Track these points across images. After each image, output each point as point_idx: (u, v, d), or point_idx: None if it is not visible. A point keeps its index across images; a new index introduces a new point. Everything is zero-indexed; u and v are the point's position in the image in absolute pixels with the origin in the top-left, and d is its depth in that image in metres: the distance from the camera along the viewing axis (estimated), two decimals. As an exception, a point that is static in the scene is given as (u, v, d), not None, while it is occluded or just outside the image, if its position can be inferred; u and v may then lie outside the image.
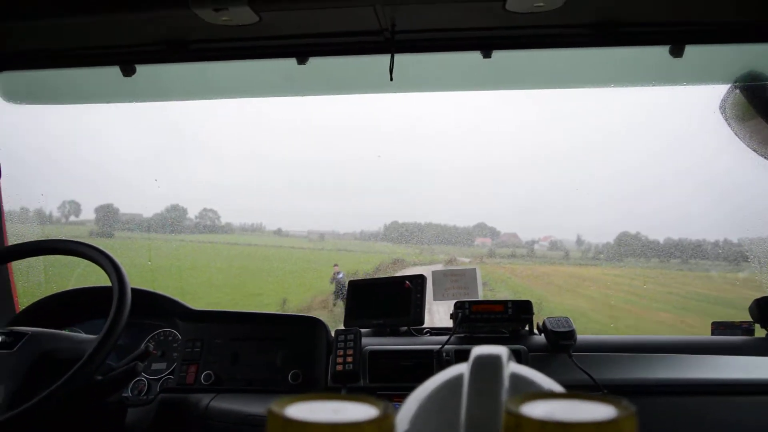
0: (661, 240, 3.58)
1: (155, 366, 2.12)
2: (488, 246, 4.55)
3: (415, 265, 3.33)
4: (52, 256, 1.97)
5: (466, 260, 4.52)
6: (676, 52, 1.70)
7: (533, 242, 4.85)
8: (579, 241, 4.59)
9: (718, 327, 2.26)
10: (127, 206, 4.14)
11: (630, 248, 3.82)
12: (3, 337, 1.75)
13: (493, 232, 4.57)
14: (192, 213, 4.38)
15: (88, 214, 4.16)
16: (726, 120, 2.13)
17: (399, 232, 3.93)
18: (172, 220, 4.00)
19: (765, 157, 2.13)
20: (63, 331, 1.81)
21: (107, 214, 4.19)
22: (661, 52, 1.73)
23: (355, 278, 2.37)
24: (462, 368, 0.70)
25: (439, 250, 3.69)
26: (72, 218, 3.96)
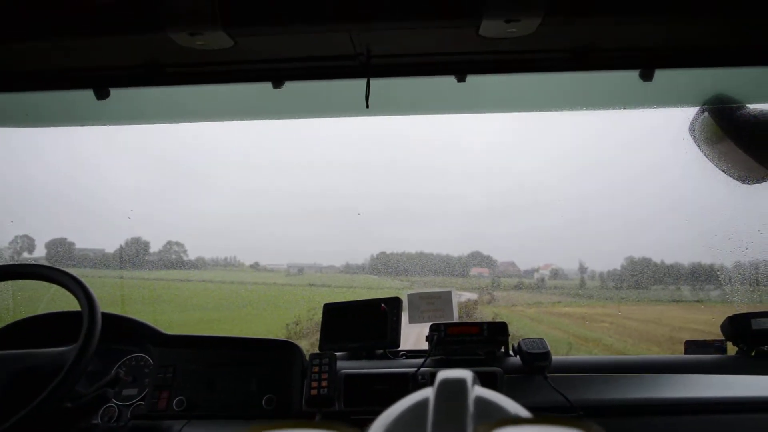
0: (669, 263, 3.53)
1: (126, 392, 2.09)
2: (486, 276, 4.34)
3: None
4: (21, 281, 1.94)
5: (473, 296, 4.30)
6: (646, 75, 1.73)
7: (533, 271, 4.63)
8: (582, 269, 4.39)
9: (691, 346, 2.28)
10: (86, 240, 3.94)
11: (647, 275, 3.69)
12: None
13: (490, 261, 4.37)
14: (155, 246, 4.13)
15: (42, 251, 3.90)
16: (695, 142, 2.17)
17: (387, 264, 3.76)
18: (130, 256, 3.80)
19: (734, 178, 2.17)
20: (32, 350, 1.77)
21: (61, 249, 3.93)
22: (632, 76, 1.76)
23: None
24: (428, 392, 0.70)
25: (432, 283, 3.54)
26: (25, 255, 3.73)
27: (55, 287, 1.82)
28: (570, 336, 4.49)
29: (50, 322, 2.19)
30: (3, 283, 2.21)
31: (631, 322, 4.64)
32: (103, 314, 1.75)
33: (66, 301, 2.00)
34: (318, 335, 2.29)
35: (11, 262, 2.06)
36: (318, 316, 2.33)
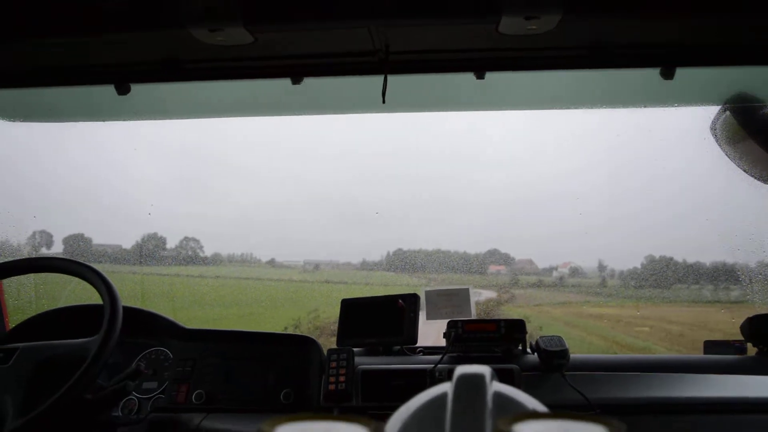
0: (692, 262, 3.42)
1: (146, 385, 2.11)
2: (503, 273, 4.29)
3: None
4: (42, 274, 1.97)
5: (492, 295, 4.24)
6: (667, 74, 1.72)
7: (552, 269, 4.57)
8: (601, 267, 4.31)
9: (711, 346, 2.26)
10: (104, 236, 3.93)
11: (669, 274, 3.55)
12: None
13: (507, 259, 4.31)
14: (172, 242, 4.09)
15: (60, 246, 3.87)
16: (717, 141, 2.15)
17: (404, 261, 3.71)
18: (149, 252, 3.79)
19: (756, 178, 2.14)
20: (55, 341, 1.80)
21: (78, 245, 3.92)
22: (652, 74, 1.74)
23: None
24: (446, 387, 0.70)
25: (449, 280, 3.50)
26: (43, 250, 3.70)
27: (75, 281, 1.85)
28: (613, 344, 4.33)
29: (72, 315, 2.21)
30: (25, 276, 2.25)
31: (675, 327, 4.40)
32: (124, 307, 1.78)
33: (87, 295, 2.02)
34: (320, 339, 2.29)
35: (33, 256, 2.10)
36: (319, 319, 2.33)
